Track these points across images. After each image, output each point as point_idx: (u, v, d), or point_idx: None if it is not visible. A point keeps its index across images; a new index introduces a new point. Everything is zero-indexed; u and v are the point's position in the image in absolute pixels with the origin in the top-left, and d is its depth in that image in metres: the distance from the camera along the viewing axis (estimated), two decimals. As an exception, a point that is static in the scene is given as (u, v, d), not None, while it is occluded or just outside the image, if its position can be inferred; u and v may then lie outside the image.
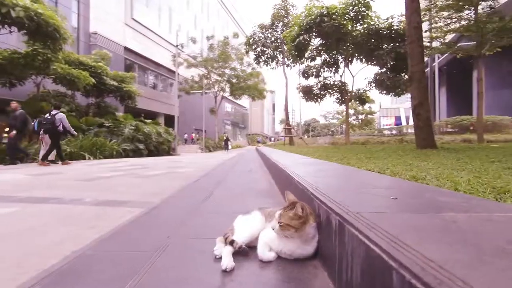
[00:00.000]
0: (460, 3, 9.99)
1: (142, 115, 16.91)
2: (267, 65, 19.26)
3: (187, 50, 25.68)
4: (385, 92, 14.00)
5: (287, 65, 18.90)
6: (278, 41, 19.17)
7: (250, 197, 2.56)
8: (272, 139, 55.12)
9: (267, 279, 1.04)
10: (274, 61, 19.41)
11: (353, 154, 5.07)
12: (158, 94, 27.32)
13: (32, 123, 7.53)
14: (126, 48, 22.43)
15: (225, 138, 24.44)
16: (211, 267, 1.17)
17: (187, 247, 1.42)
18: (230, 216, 1.54)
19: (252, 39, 19.25)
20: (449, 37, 12.89)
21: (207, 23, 38.21)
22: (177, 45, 19.59)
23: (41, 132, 7.32)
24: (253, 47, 19.23)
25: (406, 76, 13.30)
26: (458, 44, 11.89)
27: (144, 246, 1.40)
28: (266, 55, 19.16)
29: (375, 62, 13.19)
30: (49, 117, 7.26)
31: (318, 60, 14.36)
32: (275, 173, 3.72)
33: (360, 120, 37.73)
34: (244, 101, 45.89)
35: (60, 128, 7.38)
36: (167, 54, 25.87)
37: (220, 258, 1.22)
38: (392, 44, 12.04)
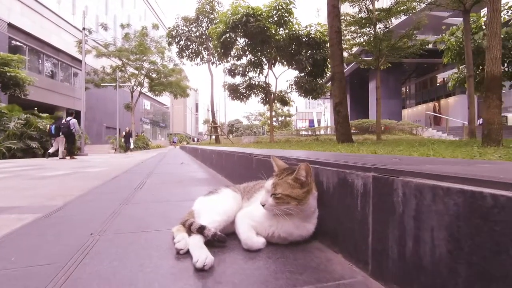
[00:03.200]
0: (363, 20, 11.65)
1: (36, 108, 13.89)
2: (191, 60, 18.46)
3: (97, 37, 22.47)
4: (303, 94, 15.17)
5: (213, 63, 18.57)
6: (203, 37, 18.64)
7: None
8: (195, 139, 53.62)
9: (269, 273, 0.79)
10: (199, 57, 18.78)
11: (289, 145, 5.28)
12: (59, 84, 23.01)
13: (48, 127, 10.55)
14: (11, 25, 18.10)
15: (125, 132, 17.26)
16: (177, 266, 0.85)
17: (126, 243, 1.07)
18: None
19: (175, 31, 18.15)
20: (354, 49, 14.94)
21: (121, 10, 34.40)
22: (83, 29, 16.87)
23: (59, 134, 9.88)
24: (176, 39, 18.15)
25: (321, 81, 14.82)
26: (361, 57, 13.83)
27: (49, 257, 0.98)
28: (190, 50, 18.35)
29: (295, 66, 14.14)
30: (65, 122, 10.11)
31: (244, 60, 14.56)
32: (228, 160, 3.54)
33: (280, 122, 40.25)
34: (165, 98, 43.14)
35: (74, 130, 10.20)
36: (71, 39, 22.07)
37: (186, 252, 0.93)
38: (310, 51, 13.09)
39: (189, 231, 1.01)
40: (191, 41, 18.48)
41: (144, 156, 12.30)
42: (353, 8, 11.42)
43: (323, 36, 12.53)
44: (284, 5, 12.11)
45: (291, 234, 1.01)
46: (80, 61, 18.34)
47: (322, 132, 27.33)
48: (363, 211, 0.84)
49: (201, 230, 0.98)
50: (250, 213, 1.08)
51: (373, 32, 11.45)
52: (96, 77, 22.10)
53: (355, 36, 12.30)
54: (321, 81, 14.71)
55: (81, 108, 16.55)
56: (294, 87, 14.57)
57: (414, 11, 10.60)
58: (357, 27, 11.85)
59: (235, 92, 15.10)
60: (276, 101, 16.56)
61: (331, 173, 1.05)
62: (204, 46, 19.02)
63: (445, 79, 21.99)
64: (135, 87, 23.41)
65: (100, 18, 27.20)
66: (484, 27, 10.16)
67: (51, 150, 9.81)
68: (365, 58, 13.26)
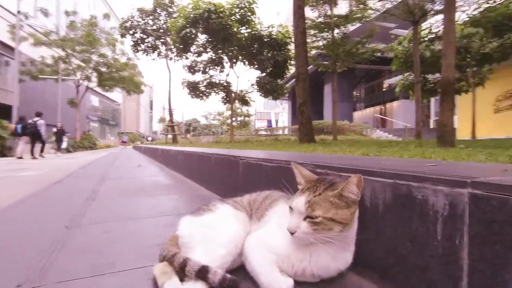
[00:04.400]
0: (322, 25, 12.10)
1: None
2: (147, 55, 17.35)
3: (35, 23, 19.88)
4: (264, 95, 15.28)
5: (171, 59, 17.70)
6: (161, 30, 17.66)
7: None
8: (150, 138, 50.85)
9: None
10: (156, 51, 17.74)
11: (255, 145, 5.16)
12: (-16, 74, 19.88)
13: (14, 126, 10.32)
14: None
15: (56, 129, 14.26)
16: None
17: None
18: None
19: (130, 22, 16.87)
20: (313, 52, 15.48)
21: (65, -5, 31.02)
22: (18, 12, 14.78)
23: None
24: (131, 32, 16.90)
25: (281, 82, 15.07)
26: (319, 60, 14.37)
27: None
28: (146, 44, 17.24)
29: (257, 66, 14.15)
30: (32, 122, 10.21)
31: (205, 57, 14.14)
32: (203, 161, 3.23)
33: (239, 122, 40.18)
34: (116, 95, 40.06)
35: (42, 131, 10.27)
36: (2, 23, 19.20)
37: None
38: (271, 52, 13.19)
39: (182, 273, 0.74)
40: (147, 34, 17.37)
41: (91, 156, 11.17)
42: (313, 12, 11.78)
43: (284, 37, 12.73)
44: (246, 4, 12.02)
45: (328, 269, 0.77)
46: (13, 49, 16.02)
47: (280, 132, 27.95)
48: (450, 242, 0.62)
49: (202, 273, 0.71)
50: (267, 240, 0.81)
51: (331, 37, 11.94)
52: (34, 68, 19.54)
53: (314, 39, 12.71)
54: (281, 81, 14.95)
55: (13, 103, 14.45)
56: (255, 87, 14.57)
57: (368, 19, 11.31)
58: (317, 31, 12.25)
59: (195, 90, 14.58)
60: (236, 100, 16.42)
61: (381, 186, 0.81)
62: (162, 40, 18.03)
63: (391, 85, 24.07)
64: (81, 81, 21.27)
65: (40, 2, 24.19)
66: (425, 38, 11.28)
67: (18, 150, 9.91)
68: (323, 62, 13.78)
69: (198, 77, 14.77)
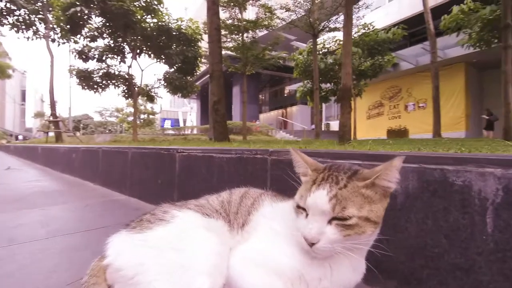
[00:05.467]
0: (232, 27, 12.35)
1: None
2: (17, 31, 13.70)
3: None
4: (172, 91, 14.44)
5: (53, 40, 14.54)
6: (39, 4, 14.28)
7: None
8: (21, 137, 40.75)
9: None
10: (31, 29, 14.21)
11: (166, 144, 4.73)
12: None
13: None
14: None
15: None
16: None
17: None
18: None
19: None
20: (223, 53, 15.60)
21: None
22: None
23: None
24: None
25: (191, 79, 14.56)
26: (229, 61, 14.61)
27: None
28: (16, 17, 13.59)
29: (165, 60, 13.25)
30: None
31: (102, 43, 12.27)
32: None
33: (142, 120, 36.80)
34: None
35: None
36: None
37: None
38: (181, 47, 12.58)
39: None
40: (17, 5, 13.71)
41: None
42: (224, 13, 11.86)
43: (195, 33, 12.33)
44: (153, -9, 11.07)
45: (349, 284, 0.60)
46: None
47: (189, 132, 27.08)
48: (507, 234, 0.51)
49: None
50: (263, 257, 0.60)
51: (241, 40, 12.30)
52: None
53: (224, 40, 12.82)
54: (191, 79, 14.43)
55: None
56: (162, 82, 13.58)
57: (274, 28, 12.17)
58: (227, 32, 12.39)
59: (87, 80, 12.44)
60: (141, 96, 14.93)
61: (403, 172, 0.64)
62: (40, 16, 14.60)
63: (290, 91, 26.78)
64: None
65: None
66: (320, 52, 12.99)
67: None
68: (233, 64, 14.07)
69: (91, 65, 12.71)
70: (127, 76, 13.30)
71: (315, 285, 0.58)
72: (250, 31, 12.37)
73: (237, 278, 0.59)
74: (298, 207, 0.61)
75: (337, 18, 10.13)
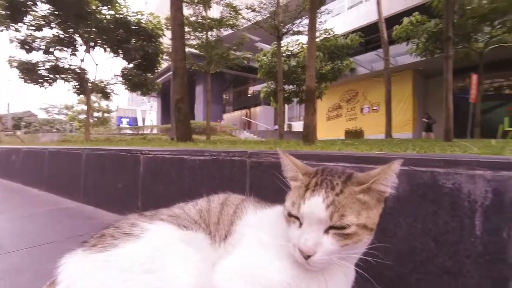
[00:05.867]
0: (196, 24, 12.05)
1: None
2: None
3: None
4: (131, 88, 13.65)
5: (-12, 26, 12.81)
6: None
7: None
8: None
9: None
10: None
11: (123, 145, 4.42)
12: None
13: None
14: None
15: None
16: None
17: None
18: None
19: None
20: (186, 50, 15.14)
21: None
22: None
23: None
24: None
25: (152, 76, 13.88)
26: (194, 60, 14.24)
27: None
28: None
29: (122, 55, 12.47)
30: None
31: (49, 33, 11.15)
32: None
33: (96, 118, 34.20)
34: None
35: None
36: None
37: None
38: (141, 42, 11.96)
39: None
40: None
41: None
42: (188, 9, 11.53)
43: (156, 28, 11.79)
44: (108, -20, 10.35)
45: None
46: None
47: (148, 131, 25.83)
48: (495, 236, 0.51)
49: None
50: (252, 272, 0.54)
51: (205, 38, 12.05)
52: None
53: (188, 37, 12.46)
54: (151, 76, 13.77)
55: None
56: (120, 78, 12.76)
57: (238, 28, 12.14)
58: (191, 29, 12.07)
59: (30, 73, 11.20)
60: (95, 92, 13.87)
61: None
62: (-30, -3, 12.77)
63: (254, 91, 26.97)
64: None
65: None
66: (284, 54, 13.25)
67: None
68: (197, 63, 13.75)
69: (36, 56, 11.47)
70: (79, 71, 12.24)
71: None
72: (214, 29, 12.18)
73: None
74: (290, 215, 0.57)
75: (300, 22, 10.41)
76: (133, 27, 11.76)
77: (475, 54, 9.21)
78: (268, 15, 10.13)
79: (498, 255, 0.53)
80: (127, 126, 32.89)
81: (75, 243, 0.56)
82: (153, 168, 1.31)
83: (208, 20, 11.84)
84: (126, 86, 13.35)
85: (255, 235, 0.61)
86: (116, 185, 1.49)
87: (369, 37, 14.20)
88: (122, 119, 42.90)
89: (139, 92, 13.65)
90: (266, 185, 0.79)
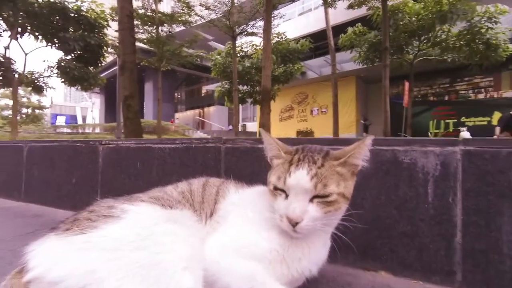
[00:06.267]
0: (145, 18, 11.43)
1: None
2: None
3: None
4: (69, 82, 12.34)
5: None
6: None
7: None
8: None
9: None
10: None
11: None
12: None
13: None
14: None
15: None
16: None
17: None
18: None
19: None
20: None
21: None
22: None
23: None
24: None
25: (95, 70, 12.72)
26: (143, 56, 13.45)
27: None
28: None
29: (58, 45, 11.23)
30: None
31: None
32: None
33: (25, 115, 30.02)
34: None
35: None
36: None
37: None
38: (81, 31, 10.90)
39: None
40: None
41: None
42: (136, 1, 10.86)
43: (99, 18, 10.85)
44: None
45: (321, 260, 0.64)
46: None
47: (90, 130, 23.60)
48: (443, 201, 0.61)
49: None
50: (242, 245, 0.58)
51: (156, 33, 11.51)
52: None
53: (137, 31, 11.74)
54: (94, 69, 12.60)
55: None
56: (56, 71, 11.43)
57: (192, 24, 11.84)
58: (140, 23, 11.40)
59: None
60: (24, 85, 12.21)
61: None
62: None
63: (208, 90, 26.57)
64: None
65: None
66: (238, 54, 13.31)
67: None
68: (147, 58, 13.05)
69: None
70: (2, 59, 10.65)
71: (296, 265, 0.59)
72: (166, 24, 11.69)
73: (216, 268, 0.55)
74: (276, 189, 0.61)
75: (254, 24, 10.57)
76: (72, 15, 10.66)
77: (406, 65, 10.42)
78: (222, 14, 10.09)
79: (445, 216, 0.65)
80: (64, 124, 29.60)
81: (27, 240, 0.49)
82: (115, 159, 1.22)
83: (159, 14, 11.32)
84: (64, 80, 12.02)
85: (240, 211, 0.65)
86: (67, 180, 1.34)
87: (318, 43, 15.08)
88: (57, 117, 38.41)
89: (79, 87, 12.40)
90: (241, 170, 0.80)
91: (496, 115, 11.03)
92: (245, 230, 0.62)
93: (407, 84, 9.40)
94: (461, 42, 8.70)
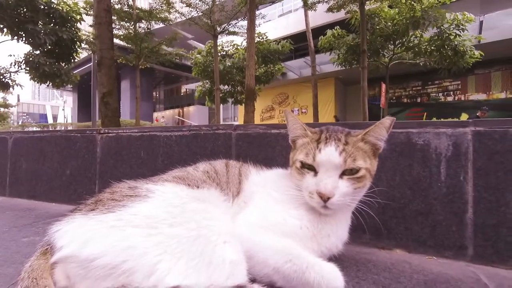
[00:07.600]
0: (122, 13, 11.04)
1: None
2: None
3: None
4: (39, 79, 11.64)
5: None
6: None
7: None
8: None
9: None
10: None
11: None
12: None
13: None
14: None
15: None
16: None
17: None
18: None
19: None
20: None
21: None
22: None
23: None
24: None
25: (68, 66, 12.09)
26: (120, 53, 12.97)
27: None
28: None
29: (27, 39, 10.58)
30: None
31: None
32: None
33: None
34: None
35: None
36: None
37: None
38: (52, 25, 10.33)
39: None
40: None
41: None
42: (112, -6, 10.44)
43: (72, 11, 10.33)
44: None
45: (345, 238, 0.66)
46: None
47: (62, 129, 22.40)
48: (455, 180, 0.64)
49: None
50: (271, 222, 0.57)
51: (133, 29, 11.15)
52: None
53: (114, 26, 11.31)
54: (66, 66, 11.96)
55: None
56: (24, 66, 10.75)
57: (171, 22, 11.59)
58: (116, 18, 11.00)
59: None
60: (-14, 81, 11.35)
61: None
62: None
63: (188, 90, 26.15)
64: None
65: None
66: (219, 54, 13.20)
67: None
68: (124, 55, 12.61)
69: None
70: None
71: (325, 242, 0.61)
72: (144, 21, 11.36)
73: (250, 245, 0.55)
74: (303, 166, 0.63)
75: (236, 23, 10.54)
76: (42, 7, 10.08)
77: (382, 67, 10.84)
78: (202, 12, 9.96)
79: (457, 194, 0.69)
80: (32, 123, 27.88)
81: (26, 231, 0.46)
82: (115, 149, 1.16)
83: (137, 10, 10.98)
84: (32, 76, 11.32)
85: (265, 192, 0.66)
86: (61, 172, 1.26)
87: (298, 44, 15.30)
88: (26, 116, 36.19)
89: (50, 84, 11.72)
90: (254, 156, 0.79)
91: (464, 117, 11.79)
92: (273, 209, 0.63)
93: (383, 86, 9.77)
94: (432, 48, 9.17)
